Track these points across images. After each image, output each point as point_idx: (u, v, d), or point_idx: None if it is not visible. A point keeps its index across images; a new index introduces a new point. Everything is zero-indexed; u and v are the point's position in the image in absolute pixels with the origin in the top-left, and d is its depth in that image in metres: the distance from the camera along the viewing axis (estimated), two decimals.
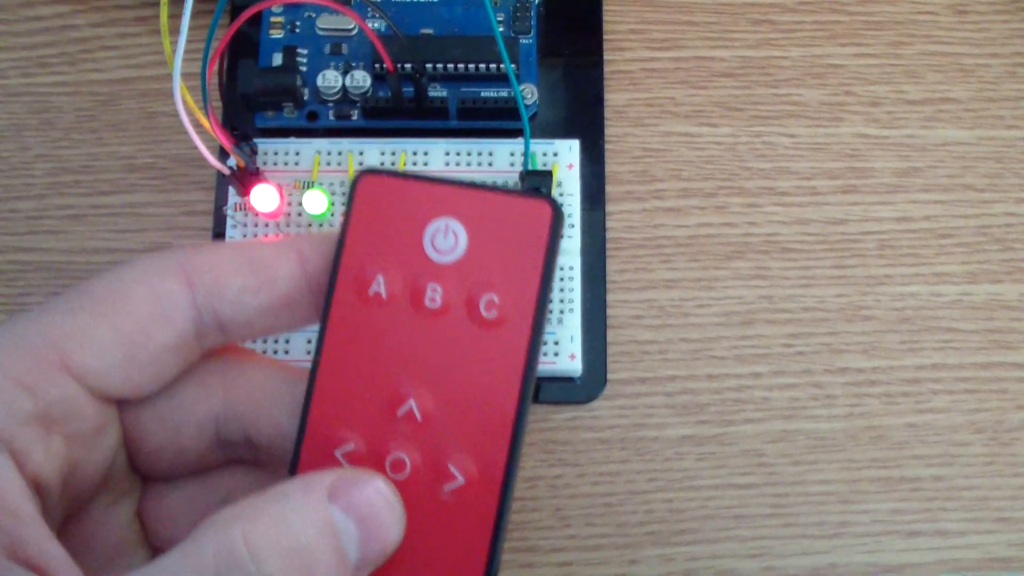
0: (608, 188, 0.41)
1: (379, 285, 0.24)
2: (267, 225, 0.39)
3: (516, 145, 0.39)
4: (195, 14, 0.30)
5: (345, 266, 0.24)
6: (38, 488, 0.23)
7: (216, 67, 0.38)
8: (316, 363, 0.24)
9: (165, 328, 0.24)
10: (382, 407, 0.24)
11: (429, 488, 0.23)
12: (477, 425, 0.23)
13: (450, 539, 0.23)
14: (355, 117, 0.41)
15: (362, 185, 0.24)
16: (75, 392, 0.23)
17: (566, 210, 0.39)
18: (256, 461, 0.27)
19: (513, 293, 0.23)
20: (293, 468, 0.24)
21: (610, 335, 0.39)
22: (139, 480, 0.27)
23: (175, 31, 0.30)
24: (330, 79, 0.40)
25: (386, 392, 0.24)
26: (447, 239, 0.24)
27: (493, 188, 0.24)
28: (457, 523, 0.23)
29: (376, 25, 0.41)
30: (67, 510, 0.25)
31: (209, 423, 0.26)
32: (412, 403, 0.23)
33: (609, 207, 0.41)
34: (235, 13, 0.41)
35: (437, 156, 0.39)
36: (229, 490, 0.27)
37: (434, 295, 0.24)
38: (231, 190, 0.39)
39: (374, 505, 0.22)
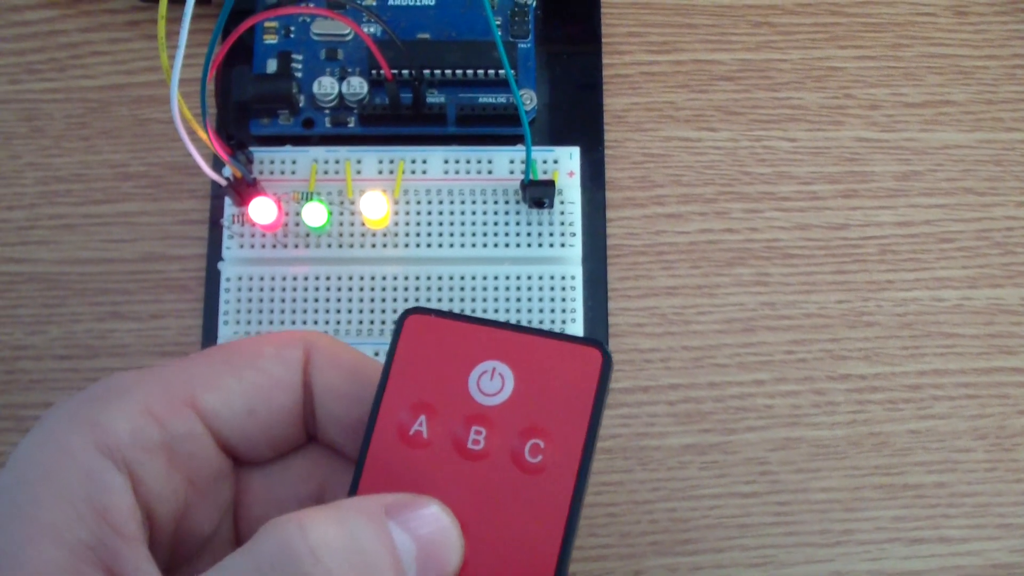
0: (608, 194, 0.40)
1: (421, 425, 0.23)
2: (264, 236, 0.38)
3: (516, 152, 0.39)
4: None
5: (387, 403, 0.24)
6: (151, 520, 0.23)
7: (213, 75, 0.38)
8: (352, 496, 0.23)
9: (284, 393, 0.25)
10: None
11: None
12: (516, 571, 0.22)
13: None
14: (352, 124, 0.40)
15: (409, 324, 0.24)
16: (200, 432, 0.24)
17: (568, 218, 0.38)
18: None
19: (559, 439, 0.23)
20: None
21: (612, 343, 0.39)
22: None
23: (171, 37, 0.30)
24: (326, 86, 0.40)
25: None
26: (493, 381, 0.23)
27: (542, 332, 0.24)
28: None
29: (372, 30, 0.41)
30: (170, 563, 0.25)
31: (310, 502, 0.26)
32: None
33: (609, 213, 0.40)
34: (230, 21, 0.40)
35: (436, 164, 0.39)
36: None
37: (478, 437, 0.23)
38: (227, 200, 0.38)
39: (431, 525, 0.22)
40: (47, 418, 0.23)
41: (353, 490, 0.23)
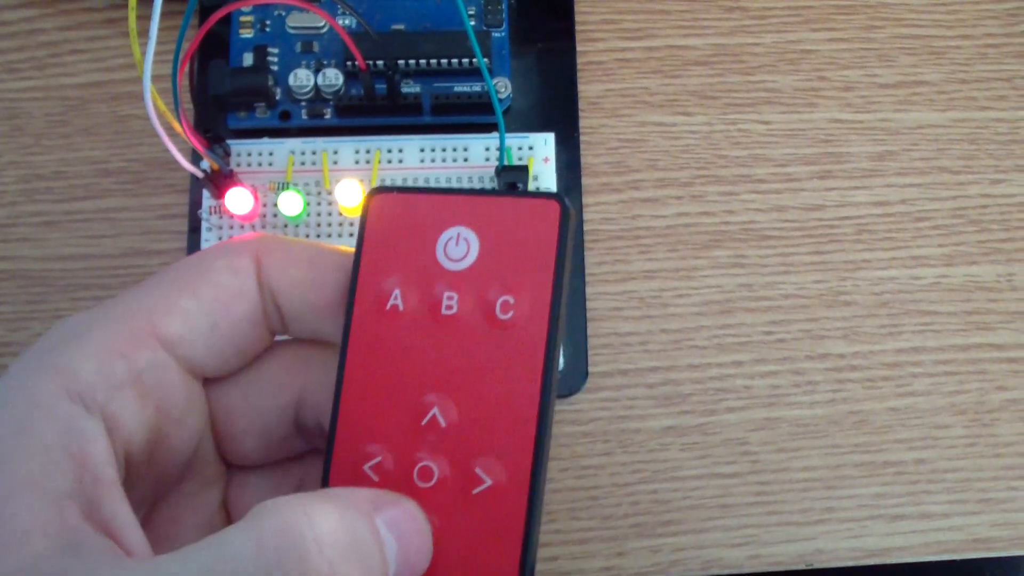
0: (584, 180, 0.41)
1: (396, 298, 0.24)
2: (242, 227, 0.39)
3: (491, 140, 0.39)
4: (163, 15, 0.30)
5: (363, 283, 0.24)
6: (127, 457, 0.23)
7: (187, 69, 0.38)
8: (340, 379, 0.24)
9: (242, 300, 0.25)
10: (406, 417, 0.24)
11: (458, 493, 0.23)
12: (501, 427, 0.23)
13: (483, 542, 0.23)
14: (328, 116, 0.40)
15: (374, 203, 0.25)
16: (165, 360, 0.24)
17: None
18: None
19: (528, 293, 0.23)
20: (324, 483, 0.24)
21: (590, 328, 0.39)
22: (224, 469, 0.27)
23: (143, 33, 0.30)
24: (302, 78, 0.40)
25: (409, 402, 0.24)
26: (459, 247, 0.24)
27: (502, 193, 0.24)
28: (488, 526, 0.23)
29: (346, 22, 0.41)
30: (155, 490, 0.25)
31: (290, 407, 0.26)
32: (435, 411, 0.24)
33: (586, 199, 0.40)
34: (204, 14, 0.40)
35: (412, 153, 0.39)
36: (303, 479, 0.27)
37: (450, 302, 0.24)
38: (205, 193, 0.39)
39: (410, 524, 0.23)
40: (13, 372, 0.23)
41: (341, 371, 0.24)
